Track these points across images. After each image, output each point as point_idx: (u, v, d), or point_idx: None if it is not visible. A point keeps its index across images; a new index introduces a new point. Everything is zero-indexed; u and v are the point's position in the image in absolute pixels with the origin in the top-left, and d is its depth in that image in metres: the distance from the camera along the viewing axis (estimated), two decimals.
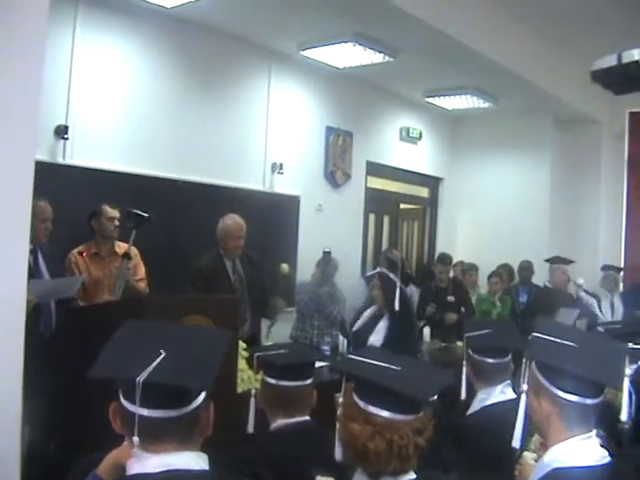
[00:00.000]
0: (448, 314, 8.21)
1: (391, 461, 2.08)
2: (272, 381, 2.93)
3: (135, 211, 5.51)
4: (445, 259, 8.97)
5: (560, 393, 2.18)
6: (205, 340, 2.09)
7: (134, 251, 5.85)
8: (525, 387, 2.25)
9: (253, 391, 2.94)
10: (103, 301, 5.53)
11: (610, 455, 2.18)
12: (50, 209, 5.25)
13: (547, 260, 9.34)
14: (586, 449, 2.18)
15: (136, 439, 1.81)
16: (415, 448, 2.10)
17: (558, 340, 2.27)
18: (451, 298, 8.49)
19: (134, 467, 1.86)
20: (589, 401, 2.18)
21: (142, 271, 5.98)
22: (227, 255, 6.13)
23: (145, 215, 5.49)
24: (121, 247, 5.86)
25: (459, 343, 7.33)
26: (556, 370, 2.20)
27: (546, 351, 2.25)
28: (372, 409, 2.10)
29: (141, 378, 1.77)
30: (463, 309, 8.48)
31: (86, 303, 5.45)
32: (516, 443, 2.25)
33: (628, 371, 2.53)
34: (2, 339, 3.27)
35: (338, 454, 2.23)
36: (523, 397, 2.24)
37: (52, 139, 6.34)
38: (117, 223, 5.85)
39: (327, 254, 7.14)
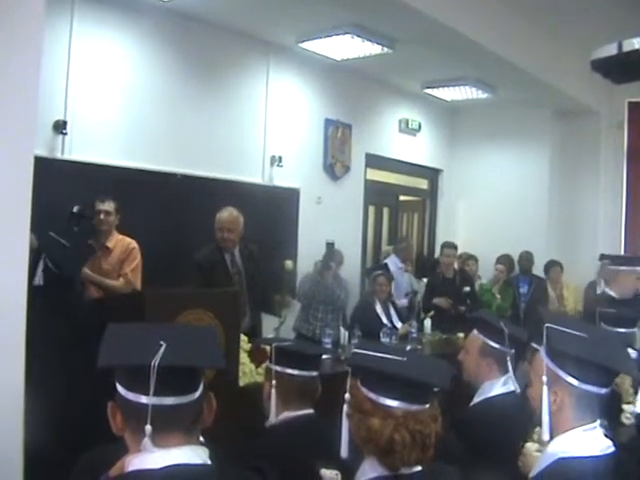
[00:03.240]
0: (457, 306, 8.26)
1: (413, 452, 2.08)
2: (294, 372, 2.93)
3: (71, 211, 5.55)
4: (451, 243, 8.94)
5: (576, 383, 2.18)
6: (198, 332, 2.15)
7: (125, 245, 5.94)
8: (545, 379, 2.24)
9: (274, 382, 2.92)
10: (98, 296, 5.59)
11: (614, 445, 2.18)
12: None
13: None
14: (591, 439, 2.18)
15: (149, 427, 1.78)
16: (435, 436, 2.12)
17: (571, 331, 2.28)
18: (467, 288, 8.51)
19: (134, 462, 1.83)
20: (604, 390, 2.19)
21: (130, 267, 5.96)
22: (226, 248, 6.13)
23: (74, 212, 5.53)
24: (118, 240, 5.89)
25: (460, 334, 7.35)
26: (572, 360, 2.20)
27: (564, 341, 2.25)
28: (388, 402, 2.10)
29: (155, 362, 1.75)
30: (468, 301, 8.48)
31: None
32: (546, 436, 2.24)
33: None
34: (3, 337, 3.26)
35: (344, 451, 2.22)
36: (545, 389, 2.23)
37: (51, 134, 6.33)
38: (102, 217, 5.85)
39: (330, 245, 7.12)
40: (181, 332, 2.11)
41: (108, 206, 5.89)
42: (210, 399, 1.96)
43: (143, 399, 1.80)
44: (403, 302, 8.46)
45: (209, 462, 1.89)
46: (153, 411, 1.79)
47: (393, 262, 8.94)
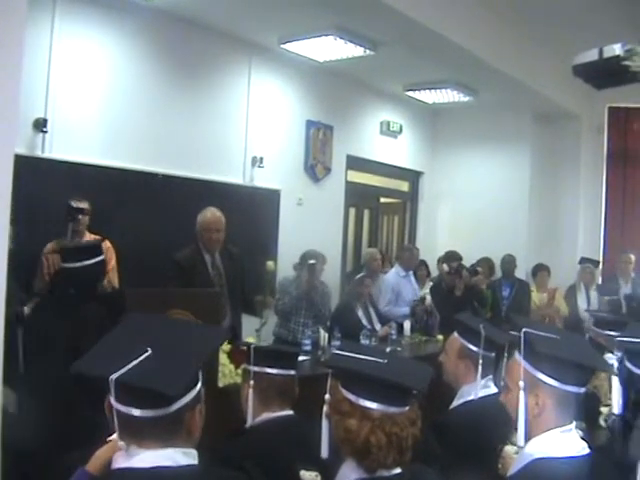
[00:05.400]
0: None
1: (390, 454, 2.09)
2: (272, 371, 2.95)
3: (68, 204, 5.49)
4: (459, 270, 8.68)
5: (557, 384, 2.21)
6: (199, 339, 2.08)
7: (105, 245, 5.84)
8: (522, 384, 2.25)
9: (252, 382, 2.93)
10: None
11: (589, 447, 2.20)
12: None
13: None
14: (567, 440, 2.21)
15: (116, 436, 1.83)
16: (413, 439, 2.13)
17: (545, 334, 2.30)
18: (478, 307, 8.47)
19: (120, 461, 1.86)
20: (582, 390, 2.23)
21: (109, 265, 5.91)
22: (206, 249, 6.11)
23: (74, 207, 5.48)
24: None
25: (440, 336, 7.38)
26: (553, 361, 2.23)
27: (543, 344, 2.27)
28: (367, 403, 2.11)
29: (114, 377, 1.77)
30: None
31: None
32: (521, 441, 2.26)
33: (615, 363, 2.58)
34: None
35: (324, 451, 2.23)
36: (522, 394, 2.25)
37: (31, 132, 6.29)
38: (80, 217, 5.81)
39: (312, 265, 7.05)
40: (181, 336, 2.07)
41: (84, 205, 5.86)
42: (194, 414, 1.94)
43: (114, 403, 1.82)
44: (404, 311, 8.33)
45: (195, 462, 1.90)
46: (121, 418, 1.82)
47: (396, 271, 8.79)
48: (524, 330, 2.30)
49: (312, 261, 7.00)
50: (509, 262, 9.86)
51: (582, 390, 2.24)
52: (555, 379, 2.21)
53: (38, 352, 4.13)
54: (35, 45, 6.21)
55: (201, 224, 6.11)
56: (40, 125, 6.31)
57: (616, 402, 2.75)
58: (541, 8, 7.36)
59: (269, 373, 2.95)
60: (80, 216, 5.81)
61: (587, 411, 2.39)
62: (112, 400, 1.82)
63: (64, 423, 3.58)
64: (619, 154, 10.59)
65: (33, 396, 3.84)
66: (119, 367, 1.79)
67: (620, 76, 3.99)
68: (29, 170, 5.58)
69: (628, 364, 2.83)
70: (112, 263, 5.97)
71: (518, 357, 2.32)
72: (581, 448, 2.19)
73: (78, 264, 4.54)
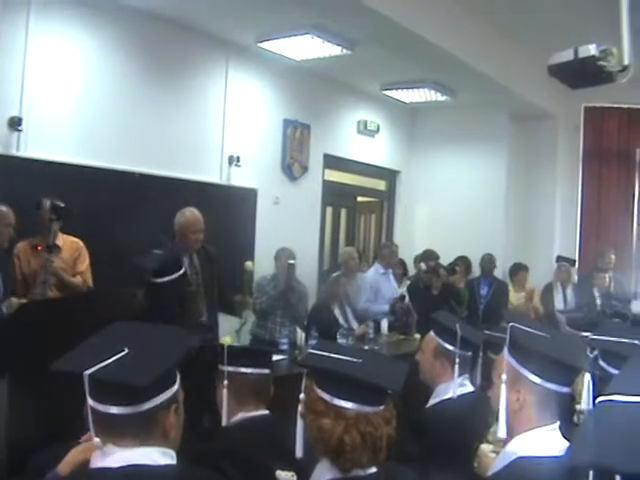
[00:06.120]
0: None
1: (364, 453, 2.09)
2: (247, 370, 2.94)
3: (55, 203, 5.45)
4: (436, 269, 8.79)
5: (539, 381, 2.21)
6: (175, 341, 2.12)
7: (74, 244, 5.83)
8: (504, 377, 2.26)
9: (226, 382, 2.92)
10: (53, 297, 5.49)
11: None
12: (12, 214, 5.22)
13: None
14: (550, 439, 2.21)
15: (92, 433, 1.83)
16: (387, 439, 2.13)
17: (534, 331, 2.31)
18: (455, 305, 8.52)
19: (97, 461, 1.86)
20: (565, 389, 2.23)
21: (84, 265, 5.89)
22: (192, 249, 6.08)
23: (62, 206, 5.44)
24: (64, 240, 5.79)
25: (417, 335, 7.40)
26: (537, 358, 2.24)
27: (528, 340, 2.28)
28: (341, 402, 2.11)
29: (87, 372, 1.79)
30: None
31: (21, 295, 5.38)
32: (502, 433, 2.27)
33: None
34: None
35: (299, 451, 2.22)
36: (503, 387, 2.26)
37: (6, 131, 6.25)
38: (52, 216, 5.76)
39: (292, 266, 7.05)
40: (157, 338, 2.10)
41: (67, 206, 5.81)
42: (169, 413, 1.94)
43: (88, 400, 1.84)
44: (384, 308, 8.29)
45: (173, 462, 1.89)
46: (96, 415, 1.84)
47: (375, 269, 8.76)
48: (510, 325, 2.30)
49: (292, 261, 7.00)
50: (489, 261, 9.89)
51: (565, 390, 2.24)
52: (538, 376, 2.22)
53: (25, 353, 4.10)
54: (10, 44, 6.19)
55: (181, 224, 6.08)
56: (15, 124, 6.27)
57: (585, 399, 2.76)
58: (518, 8, 7.38)
59: (243, 373, 2.94)
60: (66, 216, 5.76)
61: (564, 410, 2.39)
62: (87, 397, 1.83)
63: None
64: (595, 153, 10.66)
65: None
66: (92, 365, 1.81)
67: (595, 76, 4.01)
68: (4, 169, 5.53)
69: (602, 363, 2.84)
70: (86, 263, 5.93)
71: (505, 351, 2.33)
72: (564, 447, 2.19)
73: (166, 279, 4.51)
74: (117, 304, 4.06)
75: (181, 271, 4.56)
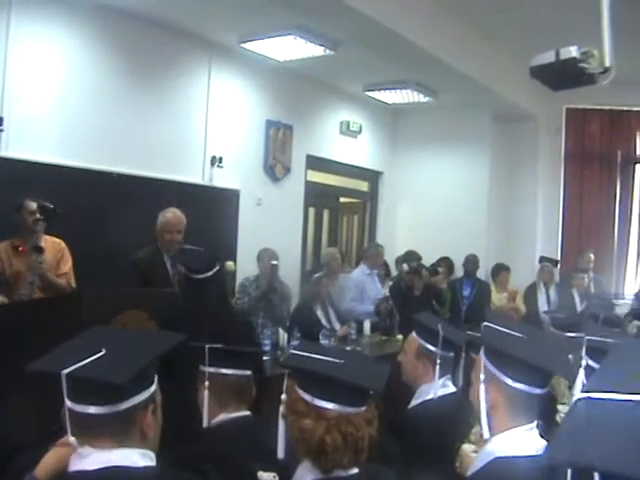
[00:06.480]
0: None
1: (346, 454, 2.09)
2: (228, 371, 2.92)
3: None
4: (418, 270, 8.82)
5: (510, 382, 2.22)
6: (153, 342, 2.14)
7: (57, 245, 5.79)
8: (482, 377, 2.27)
9: (207, 383, 2.90)
10: (38, 297, 5.45)
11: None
12: None
13: None
14: (528, 439, 2.22)
15: (69, 435, 1.84)
16: (369, 439, 2.13)
17: (509, 331, 2.31)
18: (437, 306, 8.55)
19: (75, 463, 1.86)
20: (537, 391, 2.23)
21: (67, 266, 5.86)
22: (171, 250, 6.06)
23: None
24: (46, 241, 5.76)
25: (399, 336, 7.40)
26: (507, 358, 2.24)
27: (499, 339, 2.29)
28: (322, 403, 2.11)
29: (65, 371, 1.80)
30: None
31: (5, 296, 5.35)
32: (486, 434, 2.27)
33: (584, 362, 2.59)
34: None
35: (281, 452, 2.22)
36: (482, 387, 2.26)
37: None
38: (38, 216, 5.73)
39: (275, 267, 7.06)
40: (135, 339, 2.14)
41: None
42: (146, 414, 1.94)
43: (66, 401, 1.84)
44: (369, 308, 8.28)
45: (153, 464, 1.89)
46: (73, 416, 1.84)
47: (361, 269, 8.79)
48: (484, 324, 2.31)
49: (274, 262, 7.00)
50: (472, 262, 9.94)
51: (537, 391, 2.23)
52: (508, 376, 2.23)
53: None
54: None
55: (163, 224, 6.04)
56: None
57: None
58: (499, 8, 7.41)
59: (224, 374, 2.93)
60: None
61: (543, 410, 2.39)
62: (65, 399, 1.83)
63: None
64: (576, 155, 10.74)
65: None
66: (69, 364, 1.83)
67: (577, 78, 4.02)
68: None
69: (590, 361, 2.85)
70: (69, 264, 5.90)
71: (481, 351, 2.35)
72: (542, 447, 2.19)
73: (202, 275, 4.59)
74: (103, 305, 4.03)
75: (216, 267, 4.66)
